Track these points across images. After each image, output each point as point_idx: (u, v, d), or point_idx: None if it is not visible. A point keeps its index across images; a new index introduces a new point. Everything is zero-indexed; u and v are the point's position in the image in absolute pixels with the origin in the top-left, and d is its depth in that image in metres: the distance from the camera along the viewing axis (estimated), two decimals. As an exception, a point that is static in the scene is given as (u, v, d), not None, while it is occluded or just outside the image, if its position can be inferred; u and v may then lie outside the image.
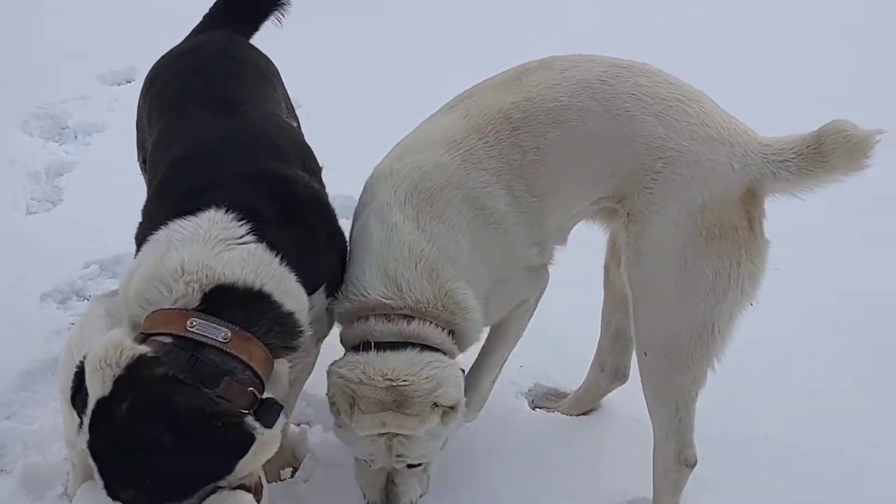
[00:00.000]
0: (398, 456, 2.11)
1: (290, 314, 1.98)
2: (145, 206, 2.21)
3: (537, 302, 2.43)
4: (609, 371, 2.67)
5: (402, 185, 2.18)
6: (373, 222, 2.18)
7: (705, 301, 2.10)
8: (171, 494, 1.79)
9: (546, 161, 2.19)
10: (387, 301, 2.10)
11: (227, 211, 1.98)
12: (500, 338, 2.41)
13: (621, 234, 2.22)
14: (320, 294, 2.13)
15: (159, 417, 1.74)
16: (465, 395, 2.17)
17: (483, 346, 2.40)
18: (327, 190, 2.34)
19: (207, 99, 2.35)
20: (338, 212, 2.28)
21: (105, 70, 5.01)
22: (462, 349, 2.22)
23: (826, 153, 2.05)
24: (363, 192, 2.31)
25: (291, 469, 2.54)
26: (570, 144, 2.18)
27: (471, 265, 2.18)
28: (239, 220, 1.98)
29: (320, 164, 2.44)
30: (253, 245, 1.96)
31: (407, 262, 2.11)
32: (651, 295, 2.16)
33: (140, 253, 2.04)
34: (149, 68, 2.63)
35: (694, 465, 2.28)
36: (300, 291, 2.02)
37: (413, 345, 2.07)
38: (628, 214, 2.17)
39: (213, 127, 2.25)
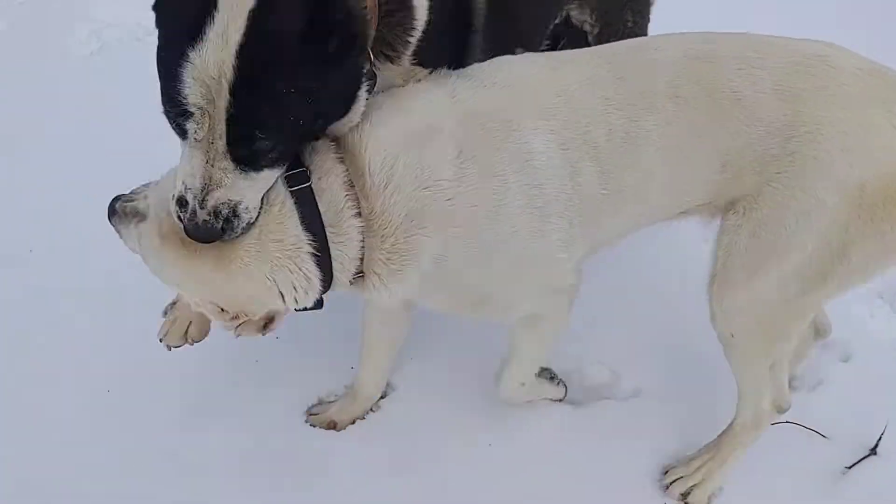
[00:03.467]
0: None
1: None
2: None
3: (556, 327, 2.10)
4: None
5: (466, 98, 1.80)
6: (422, 99, 1.81)
7: (836, 283, 1.85)
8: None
9: (635, 153, 1.83)
10: (369, 184, 1.72)
11: None
12: (513, 354, 2.18)
13: (727, 222, 1.91)
14: None
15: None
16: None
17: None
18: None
19: None
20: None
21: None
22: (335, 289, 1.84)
23: None
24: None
25: None
26: (667, 138, 1.82)
27: (470, 236, 1.81)
28: None
29: None
30: None
31: (419, 185, 1.72)
32: (756, 278, 1.88)
33: None
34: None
35: (788, 408, 2.20)
36: None
37: (320, 263, 1.72)
38: (743, 210, 1.86)
39: None
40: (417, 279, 1.81)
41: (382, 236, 1.74)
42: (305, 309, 1.81)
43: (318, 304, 1.82)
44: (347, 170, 1.73)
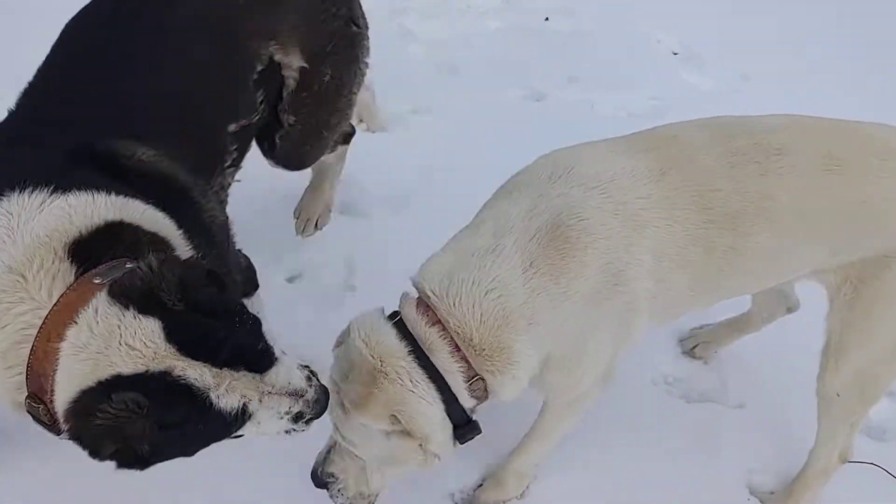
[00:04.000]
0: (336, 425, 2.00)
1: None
2: None
3: (593, 401, 2.16)
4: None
5: (542, 212, 1.84)
6: (488, 222, 1.90)
7: None
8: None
9: (735, 264, 1.93)
10: (432, 299, 1.86)
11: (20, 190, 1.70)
12: (541, 432, 2.26)
13: (841, 295, 2.10)
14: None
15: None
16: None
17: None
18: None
19: None
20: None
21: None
22: (482, 399, 1.94)
23: None
24: (524, 170, 2.02)
25: None
26: (778, 247, 1.93)
27: (555, 336, 1.87)
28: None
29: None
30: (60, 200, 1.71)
31: (483, 291, 1.81)
32: (868, 348, 2.10)
33: None
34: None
35: (850, 458, 2.40)
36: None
37: (424, 366, 1.86)
38: (854, 287, 2.06)
39: None
40: (525, 373, 1.89)
41: (470, 340, 1.83)
42: (463, 435, 1.96)
43: (470, 424, 1.95)
44: (418, 298, 1.90)
